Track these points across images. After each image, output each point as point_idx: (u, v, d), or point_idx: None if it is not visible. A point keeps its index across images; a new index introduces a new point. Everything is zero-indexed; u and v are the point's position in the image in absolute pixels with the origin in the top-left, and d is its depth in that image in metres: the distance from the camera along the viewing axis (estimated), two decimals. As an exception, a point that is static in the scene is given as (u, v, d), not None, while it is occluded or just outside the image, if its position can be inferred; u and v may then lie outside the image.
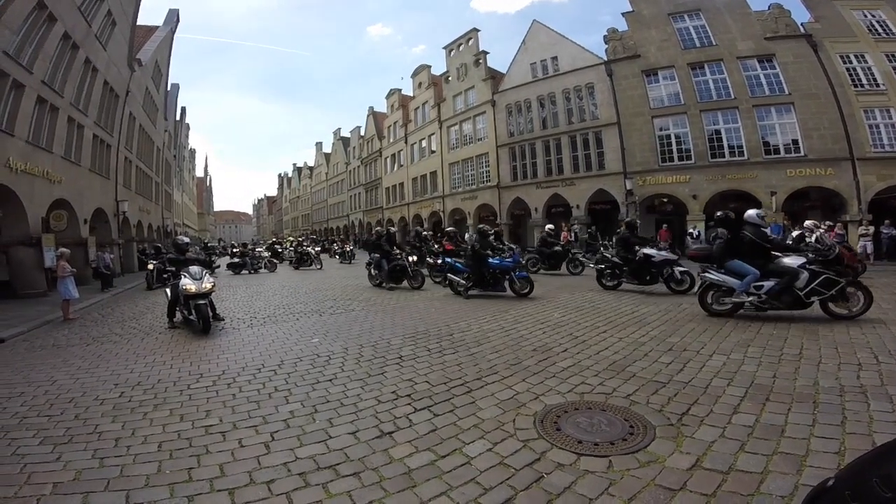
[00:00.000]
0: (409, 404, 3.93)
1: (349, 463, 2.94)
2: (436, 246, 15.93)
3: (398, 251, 13.06)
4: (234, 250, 36.14)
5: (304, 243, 27.98)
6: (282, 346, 6.27)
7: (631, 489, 2.54)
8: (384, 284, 12.70)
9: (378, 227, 15.35)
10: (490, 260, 10.34)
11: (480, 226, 13.51)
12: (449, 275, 11.07)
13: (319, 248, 27.75)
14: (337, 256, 27.32)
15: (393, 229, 14.12)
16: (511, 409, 3.75)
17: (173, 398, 4.29)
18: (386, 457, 3.01)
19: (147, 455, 3.13)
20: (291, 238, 32.08)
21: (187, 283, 7.57)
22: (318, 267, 21.88)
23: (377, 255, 13.04)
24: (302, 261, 22.80)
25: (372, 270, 13.54)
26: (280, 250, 28.91)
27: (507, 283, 10.24)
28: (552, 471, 2.77)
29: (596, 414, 3.56)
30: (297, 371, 5.00)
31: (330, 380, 4.65)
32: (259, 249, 27.18)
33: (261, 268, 22.05)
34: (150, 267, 15.68)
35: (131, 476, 2.86)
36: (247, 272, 21.35)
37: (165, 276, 13.05)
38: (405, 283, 12.55)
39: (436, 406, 3.87)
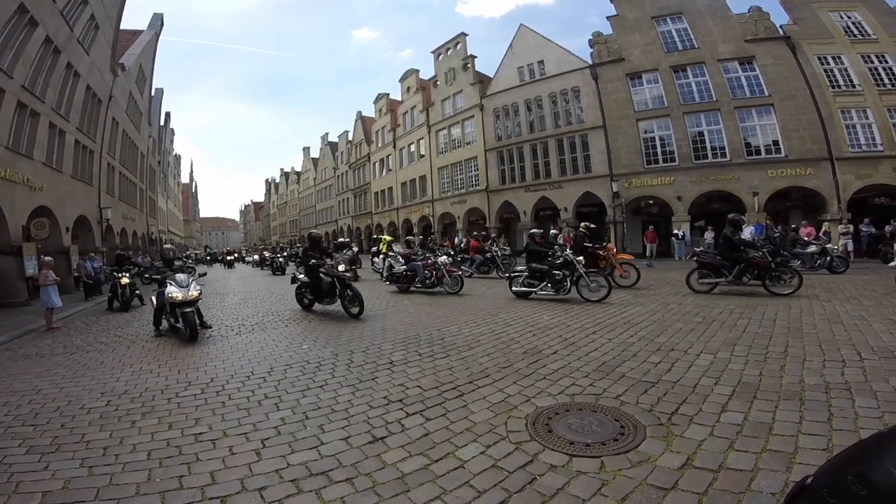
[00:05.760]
0: (401, 409, 3.92)
1: (342, 469, 2.92)
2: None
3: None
4: (230, 258, 36.03)
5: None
6: (271, 352, 6.21)
7: (623, 489, 2.56)
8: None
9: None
10: None
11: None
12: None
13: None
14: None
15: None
16: (503, 411, 3.76)
17: (161, 406, 4.23)
18: (379, 462, 3.00)
19: (136, 463, 3.08)
20: (387, 238, 20.38)
21: (174, 291, 7.50)
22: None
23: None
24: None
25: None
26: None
27: None
28: (545, 472, 2.78)
29: (587, 415, 3.58)
30: (287, 378, 4.96)
31: (321, 386, 4.62)
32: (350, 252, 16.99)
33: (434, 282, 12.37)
34: (125, 280, 12.16)
35: (121, 485, 2.82)
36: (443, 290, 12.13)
37: (137, 291, 12.56)
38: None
39: (428, 410, 3.87)
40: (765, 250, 9.71)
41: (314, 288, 9.39)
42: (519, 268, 10.98)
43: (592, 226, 13.23)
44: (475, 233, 21.62)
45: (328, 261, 9.26)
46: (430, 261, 12.59)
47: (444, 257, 13.23)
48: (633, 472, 2.73)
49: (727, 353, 5.12)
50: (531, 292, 10.22)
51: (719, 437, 3.11)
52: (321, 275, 9.05)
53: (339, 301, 8.96)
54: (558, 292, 9.81)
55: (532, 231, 11.27)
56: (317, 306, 9.78)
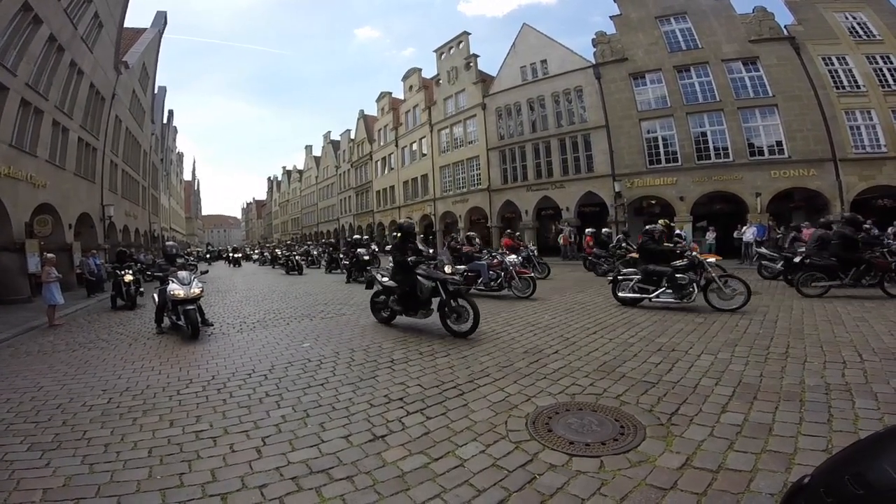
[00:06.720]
0: (402, 408, 3.93)
1: (342, 467, 2.93)
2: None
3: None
4: (236, 255, 35.96)
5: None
6: (272, 350, 6.23)
7: (622, 489, 2.57)
8: None
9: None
10: None
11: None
12: None
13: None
14: None
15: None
16: (503, 411, 3.77)
17: (163, 404, 4.25)
18: (379, 460, 3.01)
19: (137, 461, 3.10)
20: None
21: (176, 289, 7.52)
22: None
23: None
24: None
25: None
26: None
27: None
28: (544, 472, 2.79)
29: (587, 415, 3.58)
30: (288, 376, 4.97)
31: (321, 384, 4.63)
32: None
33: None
34: (128, 278, 11.75)
35: (122, 482, 2.83)
36: None
37: (141, 290, 12.43)
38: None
39: (428, 409, 3.88)
40: (884, 250, 8.98)
41: (405, 295, 7.15)
42: (626, 270, 9.33)
43: (672, 224, 11.68)
44: (508, 231, 20.95)
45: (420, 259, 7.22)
46: (496, 260, 11.21)
47: (513, 256, 11.62)
48: (632, 471, 2.74)
49: (728, 353, 5.12)
50: (642, 299, 8.64)
51: (719, 437, 3.11)
52: (419, 278, 6.90)
53: (434, 313, 6.95)
54: (682, 299, 8.12)
55: (649, 227, 9.36)
56: (399, 319, 7.66)
